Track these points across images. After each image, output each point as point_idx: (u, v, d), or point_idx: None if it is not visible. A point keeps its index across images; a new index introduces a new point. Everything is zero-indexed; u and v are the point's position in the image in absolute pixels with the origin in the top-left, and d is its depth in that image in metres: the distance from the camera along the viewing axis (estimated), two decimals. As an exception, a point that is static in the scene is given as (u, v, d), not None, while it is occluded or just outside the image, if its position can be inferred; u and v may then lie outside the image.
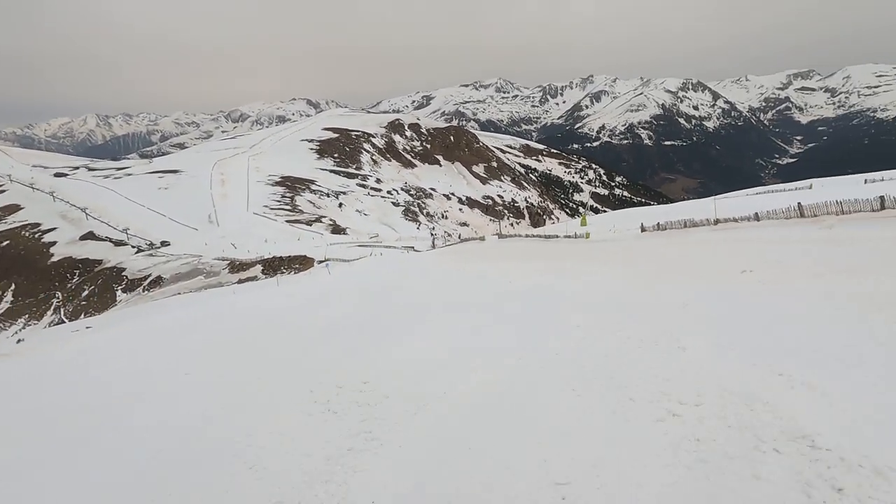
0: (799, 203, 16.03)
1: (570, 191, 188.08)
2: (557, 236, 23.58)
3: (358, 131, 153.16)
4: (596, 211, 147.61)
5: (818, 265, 8.84)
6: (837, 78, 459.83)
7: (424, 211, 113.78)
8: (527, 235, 29.04)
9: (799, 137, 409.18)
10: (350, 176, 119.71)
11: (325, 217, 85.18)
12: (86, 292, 47.36)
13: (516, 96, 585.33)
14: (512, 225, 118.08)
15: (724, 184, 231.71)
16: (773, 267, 9.29)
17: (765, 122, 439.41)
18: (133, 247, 59.90)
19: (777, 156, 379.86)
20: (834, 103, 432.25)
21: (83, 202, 78.43)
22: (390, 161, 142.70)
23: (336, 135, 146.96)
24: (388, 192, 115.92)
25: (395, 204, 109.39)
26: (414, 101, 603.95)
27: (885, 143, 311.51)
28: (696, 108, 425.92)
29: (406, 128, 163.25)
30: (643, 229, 20.12)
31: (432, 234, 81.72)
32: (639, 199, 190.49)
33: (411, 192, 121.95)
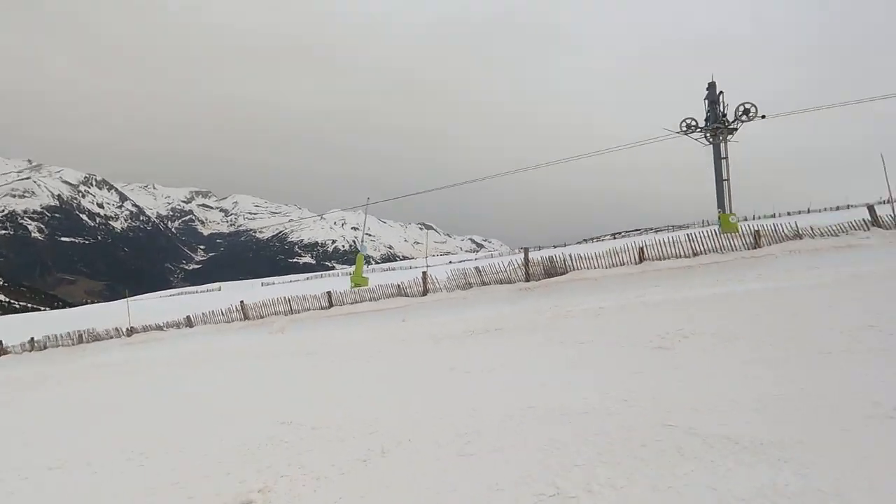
0: (242, 302, 16.74)
1: None
2: None
3: None
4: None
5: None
6: (229, 202, 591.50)
7: None
8: None
9: (202, 246, 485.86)
10: None
11: None
12: None
13: None
14: None
15: (134, 286, 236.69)
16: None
17: (172, 229, 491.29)
18: None
19: (184, 261, 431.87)
20: (227, 221, 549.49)
21: None
22: None
23: None
24: None
25: None
26: None
27: (265, 256, 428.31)
28: (101, 205, 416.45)
29: None
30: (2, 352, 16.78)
31: None
32: (22, 303, 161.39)
33: None
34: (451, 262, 57.64)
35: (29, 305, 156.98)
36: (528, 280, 14.44)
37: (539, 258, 14.88)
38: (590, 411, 4.50)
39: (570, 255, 14.21)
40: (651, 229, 61.33)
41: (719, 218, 19.30)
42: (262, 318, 16.88)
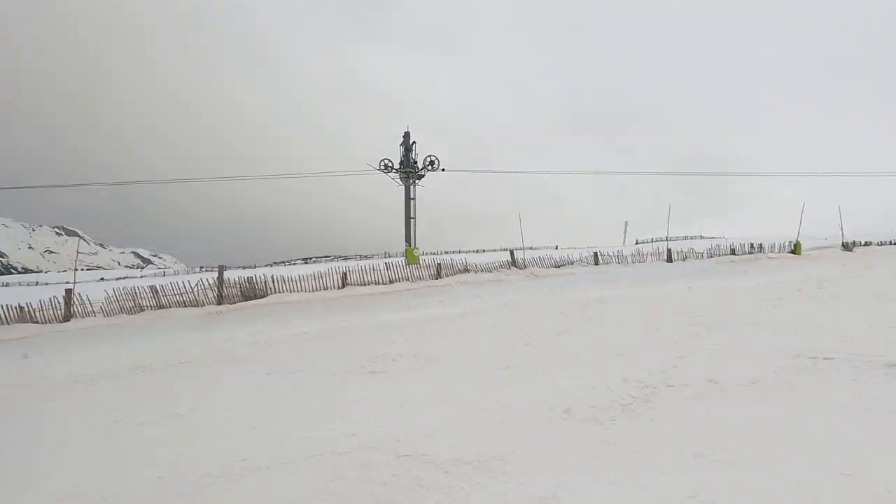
0: None
1: None
2: None
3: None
4: None
5: None
6: None
7: None
8: None
9: None
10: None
11: None
12: None
13: None
14: None
15: None
16: None
17: None
18: None
19: None
20: None
21: None
22: None
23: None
24: None
25: None
26: None
27: None
28: None
29: None
30: None
31: None
32: None
33: None
34: (112, 278, 45.20)
35: None
36: (220, 303, 12.54)
37: (235, 279, 13.22)
38: (317, 453, 3.92)
39: (273, 277, 13.19)
40: (339, 257, 64.72)
41: (406, 251, 22.00)
42: None
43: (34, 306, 11.47)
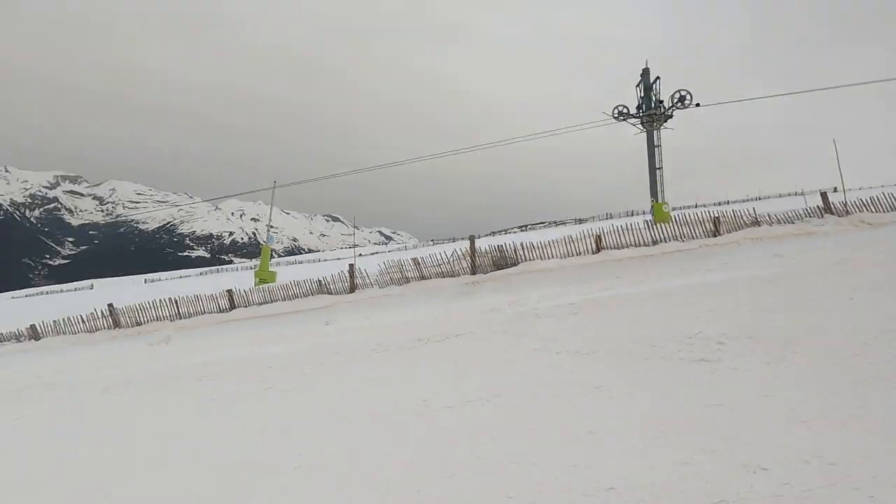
0: (111, 306, 13.24)
1: None
2: None
3: None
4: None
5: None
6: (105, 188, 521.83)
7: None
8: None
9: (71, 239, 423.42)
10: None
11: None
12: None
13: None
14: None
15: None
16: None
17: (32, 219, 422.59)
18: None
19: (48, 256, 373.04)
20: (103, 210, 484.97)
21: None
22: None
23: None
24: None
25: None
26: None
27: (149, 250, 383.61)
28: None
29: None
30: None
31: None
32: None
33: None
34: (377, 252, 54.17)
35: None
36: (474, 272, 12.52)
37: (486, 247, 13.03)
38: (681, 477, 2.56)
39: (522, 244, 12.53)
40: (577, 220, 61.60)
41: (653, 207, 19.00)
42: (139, 324, 13.23)
43: (328, 280, 13.34)
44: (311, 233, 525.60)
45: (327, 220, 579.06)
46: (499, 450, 3.67)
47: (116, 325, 13.57)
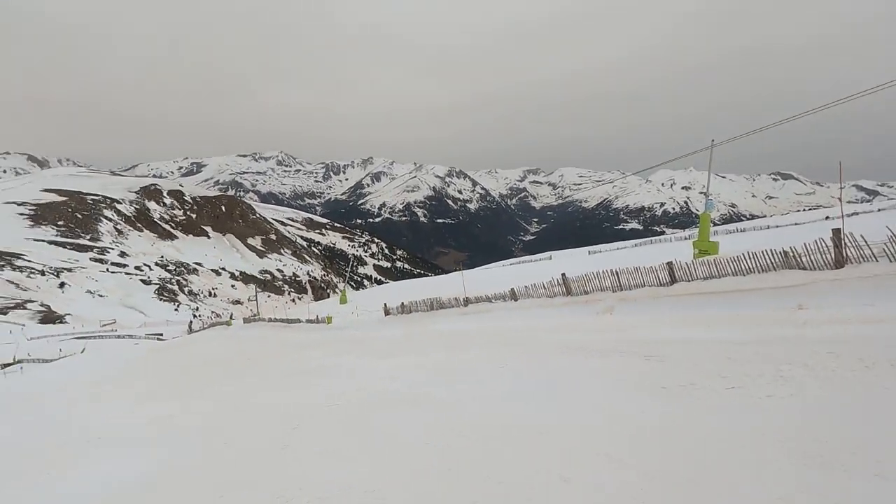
0: (564, 276, 13.42)
1: (355, 264, 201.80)
2: (300, 320, 23.45)
3: (96, 195, 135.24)
4: (379, 282, 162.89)
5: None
6: (556, 175, 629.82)
7: (186, 289, 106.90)
8: (270, 320, 28.96)
9: (535, 219, 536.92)
10: (82, 248, 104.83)
11: (32, 302, 71.82)
12: None
13: (299, 171, 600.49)
14: (294, 301, 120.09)
15: (485, 256, 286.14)
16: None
17: (511, 206, 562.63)
18: None
19: (522, 234, 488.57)
20: (555, 195, 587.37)
21: None
22: (142, 231, 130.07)
23: (63, 198, 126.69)
24: (137, 268, 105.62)
25: (146, 282, 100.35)
26: (181, 168, 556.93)
27: (590, 225, 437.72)
28: (460, 192, 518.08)
29: (165, 194, 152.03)
30: (386, 312, 18.80)
31: (195, 316, 77.93)
32: (418, 270, 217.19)
33: (169, 268, 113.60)
34: (856, 213, 39.82)
35: (421, 272, 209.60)
36: None
37: None
38: None
39: None
40: None
41: None
42: (586, 293, 13.27)
43: (799, 251, 9.46)
44: (752, 196, 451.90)
45: (774, 179, 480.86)
46: None
47: (568, 292, 14.45)
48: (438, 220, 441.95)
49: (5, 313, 63.81)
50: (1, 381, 22.96)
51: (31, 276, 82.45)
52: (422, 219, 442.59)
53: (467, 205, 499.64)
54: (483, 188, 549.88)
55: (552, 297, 13.91)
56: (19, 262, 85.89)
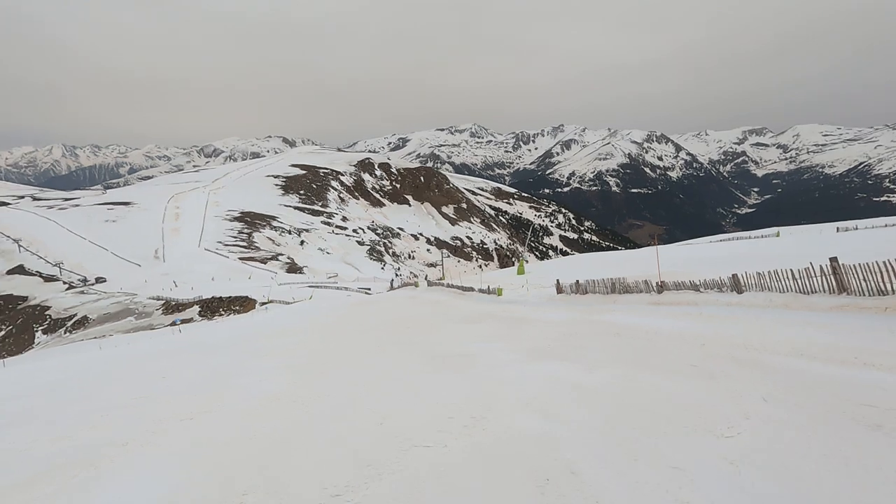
0: (835, 260, 7.97)
1: (541, 234, 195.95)
2: (473, 289, 23.33)
3: (326, 168, 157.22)
4: (565, 254, 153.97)
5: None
6: (788, 135, 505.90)
7: (391, 251, 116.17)
8: (448, 286, 29.26)
9: (756, 189, 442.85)
10: (315, 213, 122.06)
11: (282, 255, 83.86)
12: (2, 332, 44.51)
13: (490, 141, 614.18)
14: (481, 267, 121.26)
15: (687, 230, 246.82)
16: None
17: (724, 173, 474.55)
18: (64, 283, 57.21)
19: (736, 206, 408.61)
20: (786, 158, 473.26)
21: (18, 233, 75.45)
22: (358, 199, 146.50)
23: (303, 171, 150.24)
24: (354, 231, 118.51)
25: (361, 243, 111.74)
26: (390, 143, 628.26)
27: (834, 196, 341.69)
28: (660, 158, 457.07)
29: (376, 167, 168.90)
30: (559, 290, 16.47)
31: (397, 275, 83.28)
32: (606, 243, 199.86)
33: (378, 232, 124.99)
34: None
35: (610, 245, 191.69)
36: None
37: None
38: None
39: None
40: None
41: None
42: (882, 293, 7.05)
43: None
44: None
45: None
46: None
47: (841, 287, 7.98)
48: (633, 190, 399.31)
49: (265, 262, 77.21)
50: (257, 316, 29.87)
51: (282, 234, 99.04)
52: (614, 188, 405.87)
53: (668, 172, 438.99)
54: (689, 153, 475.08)
55: (808, 295, 8.51)
56: (275, 223, 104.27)
